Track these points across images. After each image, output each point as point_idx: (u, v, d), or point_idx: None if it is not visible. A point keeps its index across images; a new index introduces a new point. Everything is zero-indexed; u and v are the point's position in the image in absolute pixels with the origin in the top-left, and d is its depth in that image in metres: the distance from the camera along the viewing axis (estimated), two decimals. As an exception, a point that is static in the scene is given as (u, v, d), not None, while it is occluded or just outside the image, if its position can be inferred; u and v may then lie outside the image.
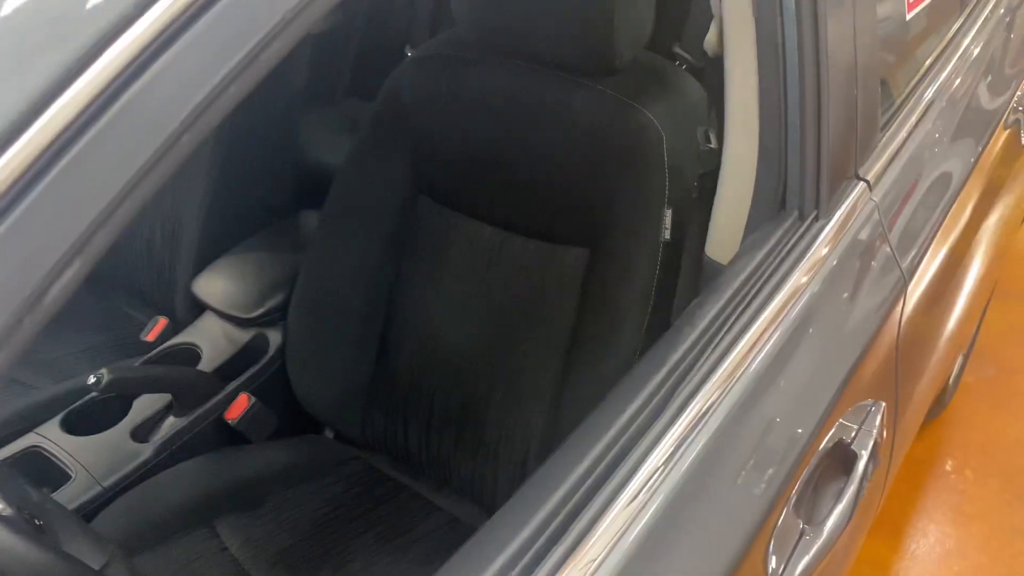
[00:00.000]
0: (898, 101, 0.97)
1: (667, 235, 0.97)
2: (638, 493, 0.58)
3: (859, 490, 0.75)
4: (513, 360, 1.14)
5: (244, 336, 1.31)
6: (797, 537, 0.70)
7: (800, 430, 0.69)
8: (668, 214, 0.97)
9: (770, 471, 0.67)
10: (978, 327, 1.98)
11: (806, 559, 0.69)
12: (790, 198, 0.79)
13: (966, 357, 2.02)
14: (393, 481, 1.23)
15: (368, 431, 1.25)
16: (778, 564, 0.68)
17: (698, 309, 0.71)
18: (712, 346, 0.67)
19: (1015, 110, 1.21)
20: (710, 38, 0.85)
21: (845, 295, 0.78)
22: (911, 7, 0.94)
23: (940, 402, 1.90)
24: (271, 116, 1.50)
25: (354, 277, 1.22)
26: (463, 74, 1.14)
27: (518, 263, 1.14)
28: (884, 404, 0.83)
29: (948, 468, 1.87)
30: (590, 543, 0.56)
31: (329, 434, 1.37)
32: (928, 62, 1.06)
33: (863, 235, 0.82)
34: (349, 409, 1.25)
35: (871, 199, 0.84)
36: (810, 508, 0.73)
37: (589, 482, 0.58)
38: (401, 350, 1.22)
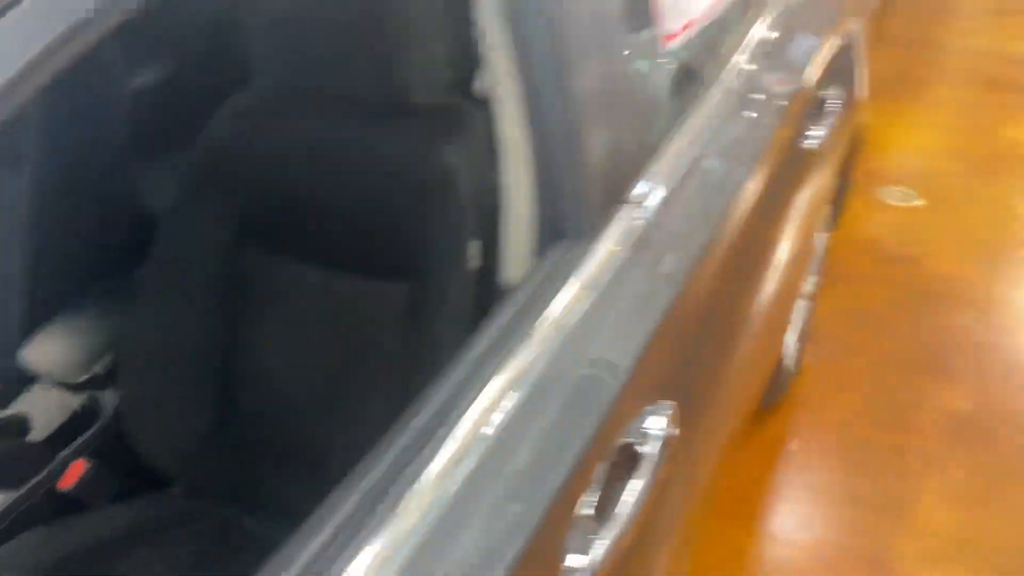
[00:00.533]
0: (673, 123, 1.06)
1: (475, 265, 1.02)
2: (422, 497, 0.63)
3: (648, 486, 0.82)
4: (350, 396, 1.16)
5: (75, 401, 1.28)
6: (590, 534, 0.76)
7: (577, 437, 0.75)
8: (476, 245, 1.02)
9: (552, 474, 0.73)
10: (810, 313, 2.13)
11: (598, 553, 0.75)
12: (564, 225, 0.85)
13: (803, 342, 2.18)
14: (245, 532, 1.23)
15: (216, 481, 1.25)
16: (571, 560, 0.73)
17: (477, 335, 0.77)
18: (485, 369, 0.72)
19: (789, 117, 1.33)
20: (481, 79, 0.91)
21: (615, 311, 0.85)
22: (671, 38, 1.04)
23: (779, 387, 2.04)
24: (94, 170, 1.47)
25: (183, 328, 1.22)
26: (273, 120, 1.17)
27: (345, 301, 1.17)
28: (674, 403, 0.90)
29: (794, 448, 2.01)
30: (369, 550, 0.60)
31: (178, 489, 1.35)
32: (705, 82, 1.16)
33: (635, 253, 0.89)
34: (194, 461, 1.25)
35: (644, 218, 0.91)
36: (603, 507, 0.79)
37: (371, 494, 0.63)
38: (240, 397, 1.23)
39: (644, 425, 0.85)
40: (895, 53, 4.37)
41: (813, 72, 1.46)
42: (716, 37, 1.25)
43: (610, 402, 0.79)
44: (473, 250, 1.03)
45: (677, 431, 0.89)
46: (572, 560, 0.75)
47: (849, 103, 1.75)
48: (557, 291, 0.80)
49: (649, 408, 0.87)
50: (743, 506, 1.86)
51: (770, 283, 1.36)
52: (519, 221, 0.87)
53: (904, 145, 3.45)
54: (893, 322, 2.41)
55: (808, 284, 2.14)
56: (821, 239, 2.17)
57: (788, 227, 1.42)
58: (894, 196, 3.04)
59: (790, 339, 2.03)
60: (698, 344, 1.02)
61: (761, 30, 1.36)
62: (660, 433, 0.86)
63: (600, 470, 0.79)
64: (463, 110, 1.09)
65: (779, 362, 1.91)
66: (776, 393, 2.05)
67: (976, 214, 2.95)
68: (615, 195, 0.90)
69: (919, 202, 3.01)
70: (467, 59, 1.01)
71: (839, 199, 2.18)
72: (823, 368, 2.24)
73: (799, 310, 2.08)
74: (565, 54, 0.80)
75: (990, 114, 3.73)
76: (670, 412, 0.88)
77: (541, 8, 0.79)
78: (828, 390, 2.17)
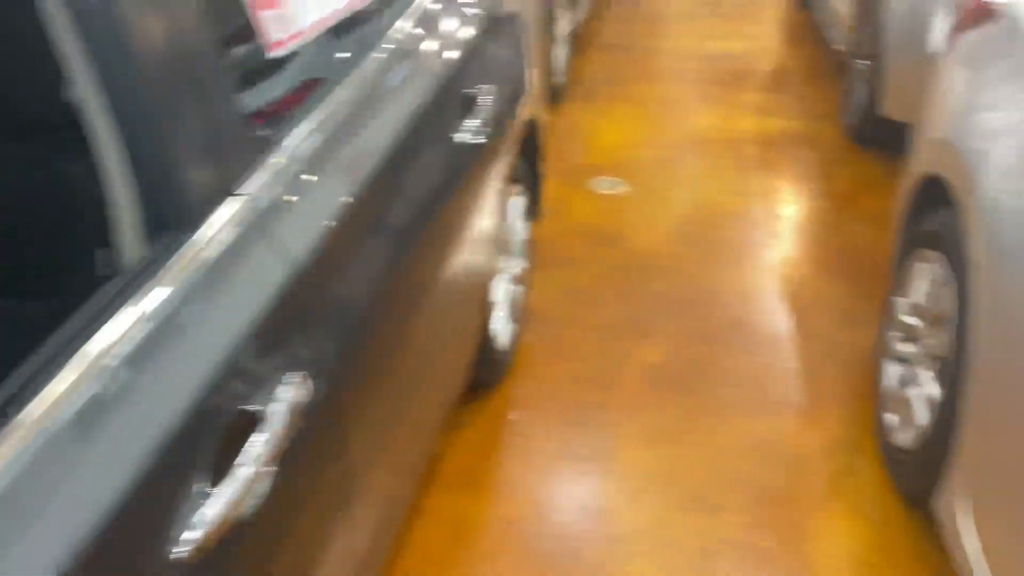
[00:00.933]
0: (292, 122, 1.14)
1: (108, 273, 1.05)
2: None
3: (273, 452, 0.89)
4: None
5: None
6: (199, 500, 0.81)
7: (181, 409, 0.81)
8: (105, 253, 1.05)
9: (160, 443, 0.78)
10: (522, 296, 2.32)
11: (207, 518, 0.80)
12: (168, 217, 0.91)
13: (519, 323, 2.36)
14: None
15: None
16: (177, 529, 0.79)
17: (72, 319, 0.80)
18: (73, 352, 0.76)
19: (429, 111, 1.47)
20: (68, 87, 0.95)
21: (222, 294, 0.92)
22: (278, 45, 1.12)
23: (498, 366, 2.20)
24: None
25: None
26: None
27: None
28: (304, 374, 0.98)
29: (515, 418, 2.18)
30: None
31: None
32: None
33: (242, 240, 0.96)
34: None
35: (251, 210, 0.99)
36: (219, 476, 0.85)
37: None
38: None
39: (270, 394, 0.93)
40: (604, 57, 4.82)
41: (457, 69, 1.62)
42: (357, 34, 1.36)
43: (217, 375, 0.86)
44: (103, 258, 1.05)
45: (305, 399, 0.97)
46: (187, 534, 0.80)
47: (511, 99, 1.94)
48: (155, 277, 0.85)
49: (273, 378, 0.95)
50: (470, 477, 1.99)
51: (443, 268, 1.49)
52: (123, 219, 0.91)
53: (613, 139, 3.83)
54: (603, 295, 2.67)
55: (515, 268, 2.33)
56: (524, 228, 2.37)
57: (455, 217, 1.55)
58: (603, 186, 3.37)
59: (501, 321, 2.20)
60: (339, 322, 1.10)
61: (405, 27, 1.49)
62: (285, 401, 0.94)
63: (214, 440, 0.85)
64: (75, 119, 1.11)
65: (489, 342, 2.07)
66: (496, 371, 2.22)
67: (674, 196, 3.33)
68: (222, 187, 0.97)
69: (625, 189, 3.35)
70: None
71: (533, 190, 2.39)
72: (542, 343, 2.44)
73: (508, 293, 2.26)
74: (137, 60, 0.85)
75: (685, 105, 4.22)
76: (296, 381, 0.96)
77: (109, 15, 0.84)
78: (546, 362, 2.37)
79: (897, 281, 2.07)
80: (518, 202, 2.22)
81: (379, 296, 1.25)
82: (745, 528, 1.86)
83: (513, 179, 2.06)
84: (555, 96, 3.93)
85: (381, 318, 1.26)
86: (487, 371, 2.13)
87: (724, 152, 3.68)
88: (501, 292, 2.17)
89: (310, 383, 0.99)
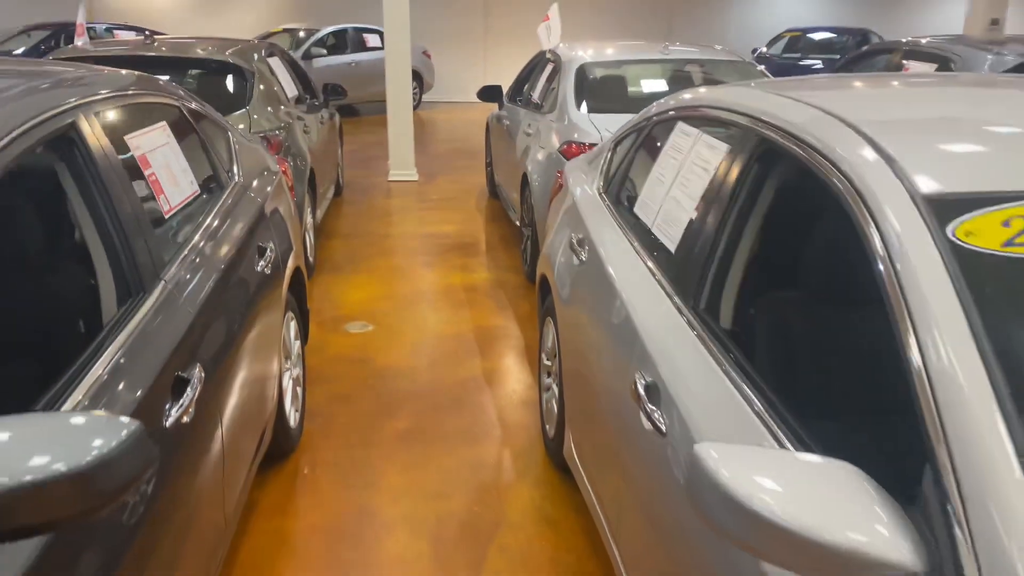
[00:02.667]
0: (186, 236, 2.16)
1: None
2: None
3: (189, 406, 1.85)
4: None
5: None
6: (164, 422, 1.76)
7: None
8: None
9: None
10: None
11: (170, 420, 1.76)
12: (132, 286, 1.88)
13: (302, 414, 3.34)
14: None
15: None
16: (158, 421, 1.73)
17: None
18: None
19: (239, 253, 2.54)
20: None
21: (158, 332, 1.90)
22: (160, 195, 2.16)
23: (291, 440, 3.14)
24: None
25: None
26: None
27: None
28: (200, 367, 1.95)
29: (306, 471, 3.10)
30: None
31: None
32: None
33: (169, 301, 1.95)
34: None
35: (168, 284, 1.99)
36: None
37: None
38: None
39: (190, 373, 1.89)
40: (345, 242, 6.11)
41: (253, 231, 2.73)
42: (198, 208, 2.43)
43: (169, 356, 1.82)
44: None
45: (201, 378, 1.94)
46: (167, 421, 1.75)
47: (285, 251, 3.06)
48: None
49: (191, 363, 1.91)
50: (280, 508, 2.87)
51: (252, 353, 2.48)
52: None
53: (358, 297, 5.01)
54: (361, 395, 3.73)
55: (296, 371, 3.33)
56: (297, 345, 3.40)
57: (259, 317, 2.58)
58: (355, 327, 4.50)
59: (291, 413, 3.16)
60: (209, 353, 2.08)
61: (225, 205, 2.58)
62: (196, 377, 1.91)
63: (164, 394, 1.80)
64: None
65: (284, 419, 3.02)
66: (290, 442, 3.15)
67: (407, 329, 4.53)
68: (150, 277, 1.97)
69: (371, 328, 4.50)
70: None
71: (302, 320, 3.46)
72: (320, 427, 3.42)
73: (292, 388, 3.25)
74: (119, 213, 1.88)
75: (412, 271, 5.55)
76: (197, 369, 1.94)
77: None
78: (324, 437, 3.34)
79: (541, 340, 3.38)
80: (292, 324, 3.27)
81: (217, 354, 2.25)
82: (467, 505, 2.92)
83: (288, 307, 3.13)
84: (308, 272, 5.08)
85: (220, 362, 2.25)
86: (284, 441, 3.06)
87: (441, 298, 5.00)
88: (288, 384, 3.16)
89: (201, 372, 1.97)
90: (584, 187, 3.12)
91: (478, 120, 11.90)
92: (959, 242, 1.20)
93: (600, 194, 2.93)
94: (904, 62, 6.25)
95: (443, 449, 3.28)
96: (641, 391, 1.76)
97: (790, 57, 14.44)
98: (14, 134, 1.55)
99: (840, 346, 1.58)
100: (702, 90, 2.44)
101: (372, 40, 13.68)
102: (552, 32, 6.84)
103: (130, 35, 12.71)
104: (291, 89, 5.80)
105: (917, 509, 1.01)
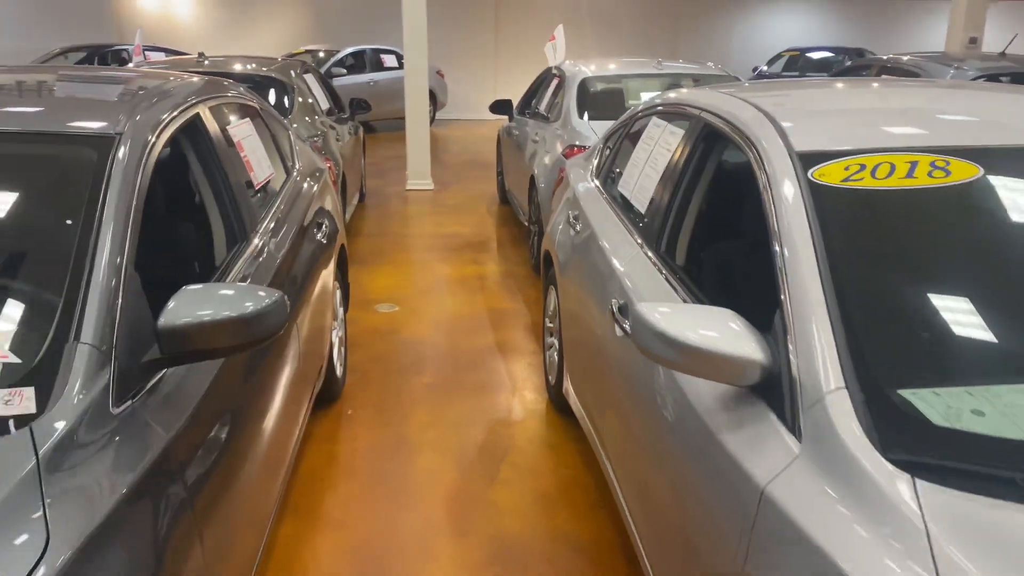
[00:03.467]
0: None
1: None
2: None
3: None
4: None
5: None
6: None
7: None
8: None
9: None
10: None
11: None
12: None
13: (344, 369, 3.96)
14: None
15: None
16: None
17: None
18: None
19: (305, 233, 3.18)
20: None
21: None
22: (251, 172, 2.80)
23: (337, 388, 3.76)
24: None
25: None
26: None
27: None
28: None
29: (349, 412, 3.73)
30: None
31: None
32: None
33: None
34: None
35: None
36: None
37: None
38: None
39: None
40: (369, 240, 6.77)
41: (315, 210, 3.37)
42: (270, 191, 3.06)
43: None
44: None
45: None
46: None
47: (334, 228, 3.70)
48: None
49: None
50: (330, 436, 3.49)
51: (312, 305, 3.10)
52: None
53: (384, 284, 5.65)
54: (390, 358, 4.35)
55: (339, 331, 3.96)
56: (341, 310, 4.04)
57: (317, 277, 3.21)
58: (383, 308, 5.13)
59: (337, 365, 3.79)
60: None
61: (293, 191, 3.23)
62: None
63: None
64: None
65: (332, 369, 3.65)
66: (336, 389, 3.78)
67: (428, 309, 5.16)
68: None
69: (396, 308, 5.14)
70: None
71: (344, 290, 4.10)
72: (358, 381, 4.04)
73: (340, 351, 3.87)
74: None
75: (431, 264, 6.19)
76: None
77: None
78: (363, 389, 3.97)
79: (544, 307, 4.01)
80: (338, 291, 3.91)
81: (293, 297, 2.87)
82: (483, 434, 3.53)
83: (335, 277, 3.76)
84: (341, 262, 5.71)
85: (294, 305, 2.87)
86: (332, 387, 3.69)
87: (457, 286, 5.63)
88: (336, 340, 3.79)
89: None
90: (580, 176, 3.76)
91: (489, 136, 12.58)
92: (815, 180, 1.82)
93: (593, 179, 3.57)
94: (881, 73, 6.89)
95: (462, 396, 3.90)
96: (615, 310, 2.38)
97: (789, 75, 15.11)
98: (165, 119, 2.19)
99: (744, 260, 2.20)
100: (671, 93, 3.08)
101: (389, 60, 14.43)
102: (558, 50, 7.52)
103: (160, 55, 13.51)
104: (323, 102, 6.49)
105: (770, 333, 1.63)
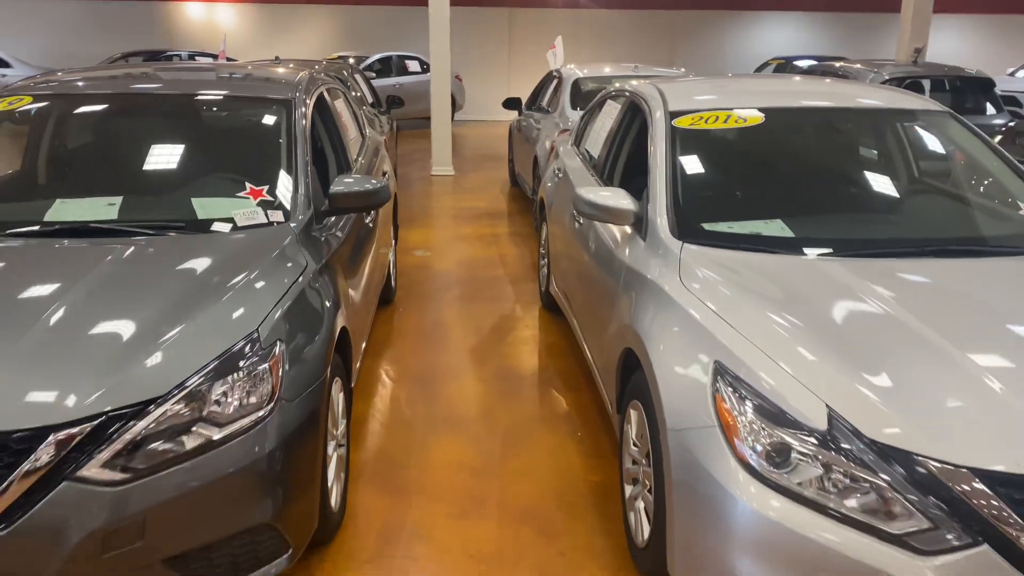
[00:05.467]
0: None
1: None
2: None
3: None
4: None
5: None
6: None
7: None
8: None
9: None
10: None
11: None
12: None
13: (396, 285, 5.53)
14: None
15: None
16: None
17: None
18: None
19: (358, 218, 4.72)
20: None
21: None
22: (345, 133, 4.34)
23: (391, 295, 5.32)
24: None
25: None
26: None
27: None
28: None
29: (400, 308, 5.29)
30: None
31: None
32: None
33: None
34: None
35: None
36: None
37: None
38: None
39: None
40: (402, 211, 8.37)
41: (378, 163, 4.93)
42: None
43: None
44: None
45: (374, 221, 4.13)
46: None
47: (389, 178, 5.27)
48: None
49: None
50: (390, 318, 5.05)
51: (375, 260, 4.62)
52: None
53: (418, 238, 7.23)
54: (426, 281, 5.92)
55: (392, 255, 5.52)
56: (393, 240, 5.60)
57: (385, 228, 4.76)
58: (418, 252, 6.71)
59: (393, 277, 5.35)
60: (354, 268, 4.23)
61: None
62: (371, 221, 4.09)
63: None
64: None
65: (389, 281, 5.20)
66: (392, 296, 5.34)
67: (452, 254, 6.73)
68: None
69: (429, 253, 6.72)
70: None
71: (395, 233, 5.66)
72: (404, 293, 5.61)
73: (393, 269, 5.43)
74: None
75: (454, 226, 7.76)
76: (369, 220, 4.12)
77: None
78: (408, 297, 5.54)
79: (539, 240, 5.56)
80: (391, 226, 5.47)
81: (362, 262, 4.43)
82: (495, 322, 5.08)
83: (393, 213, 5.33)
84: (384, 221, 7.30)
85: (366, 256, 4.43)
86: (387, 294, 5.24)
87: (475, 240, 7.20)
88: (391, 260, 5.34)
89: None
90: (564, 144, 5.33)
91: (502, 134, 14.15)
92: (675, 125, 3.37)
93: (571, 145, 5.13)
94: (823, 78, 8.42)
95: (480, 302, 5.46)
96: (575, 213, 3.93)
97: (774, 81, 16.59)
98: (312, 91, 3.76)
99: (634, 167, 3.74)
100: (619, 84, 4.64)
101: (412, 66, 16.07)
102: (557, 57, 9.09)
103: (207, 60, 15.21)
104: (368, 96, 8.09)
105: (640, 199, 3.18)
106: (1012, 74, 15.58)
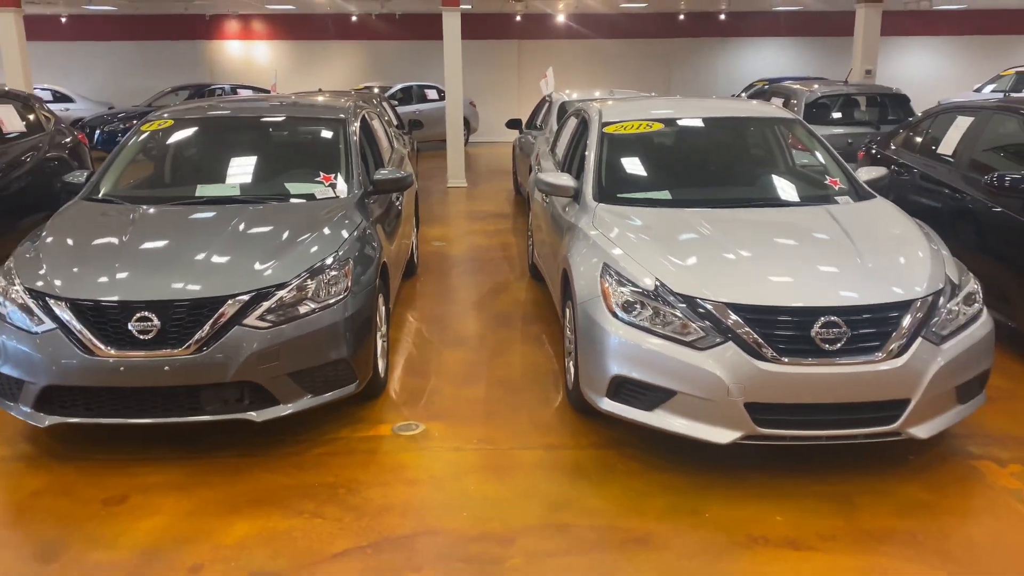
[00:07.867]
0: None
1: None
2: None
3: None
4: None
5: None
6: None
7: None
8: None
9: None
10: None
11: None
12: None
13: (418, 262, 7.16)
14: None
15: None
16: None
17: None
18: None
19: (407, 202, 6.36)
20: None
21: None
22: (381, 146, 5.95)
23: (414, 270, 6.94)
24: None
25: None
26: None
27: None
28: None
29: (423, 279, 6.91)
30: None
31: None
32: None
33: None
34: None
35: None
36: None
37: None
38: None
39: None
40: (422, 214, 10.06)
41: (405, 166, 6.58)
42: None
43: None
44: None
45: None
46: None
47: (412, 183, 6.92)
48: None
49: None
50: (412, 287, 6.67)
51: (403, 235, 6.23)
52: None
53: (435, 233, 8.88)
54: (442, 262, 7.55)
55: (414, 239, 7.14)
56: (415, 236, 7.23)
57: (410, 210, 6.37)
58: (436, 243, 8.37)
59: (415, 256, 6.97)
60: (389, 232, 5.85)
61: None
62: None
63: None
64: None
65: (413, 256, 6.82)
66: (415, 270, 6.97)
67: (464, 244, 8.36)
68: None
69: (444, 244, 8.37)
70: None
71: (417, 221, 7.30)
72: (424, 269, 7.24)
73: (415, 250, 7.05)
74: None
75: (466, 224, 9.40)
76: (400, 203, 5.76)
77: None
78: (428, 271, 7.16)
79: (528, 222, 7.18)
80: (413, 216, 7.10)
81: (395, 220, 6.06)
82: (493, 287, 6.69)
83: (415, 204, 6.96)
84: (407, 220, 8.98)
85: (397, 228, 6.06)
86: (411, 269, 6.86)
87: (482, 234, 8.84)
88: (414, 239, 6.96)
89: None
90: (543, 149, 6.98)
91: (510, 153, 15.88)
92: (607, 132, 4.99)
93: (548, 148, 6.78)
94: (772, 96, 10.02)
95: (482, 274, 7.08)
96: (544, 197, 5.54)
97: (761, 101, 18.19)
98: (358, 113, 5.42)
99: (579, 160, 5.37)
100: (579, 104, 6.28)
101: (431, 94, 17.86)
102: (548, 84, 10.76)
103: (248, 92, 17.09)
104: (394, 119, 9.80)
105: (579, 179, 4.80)
106: (978, 90, 16.94)
